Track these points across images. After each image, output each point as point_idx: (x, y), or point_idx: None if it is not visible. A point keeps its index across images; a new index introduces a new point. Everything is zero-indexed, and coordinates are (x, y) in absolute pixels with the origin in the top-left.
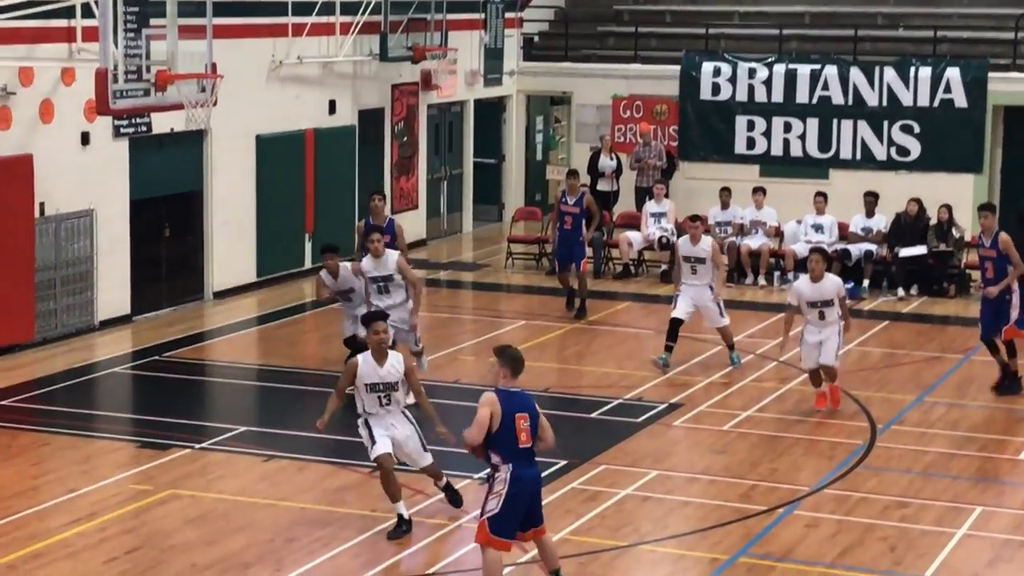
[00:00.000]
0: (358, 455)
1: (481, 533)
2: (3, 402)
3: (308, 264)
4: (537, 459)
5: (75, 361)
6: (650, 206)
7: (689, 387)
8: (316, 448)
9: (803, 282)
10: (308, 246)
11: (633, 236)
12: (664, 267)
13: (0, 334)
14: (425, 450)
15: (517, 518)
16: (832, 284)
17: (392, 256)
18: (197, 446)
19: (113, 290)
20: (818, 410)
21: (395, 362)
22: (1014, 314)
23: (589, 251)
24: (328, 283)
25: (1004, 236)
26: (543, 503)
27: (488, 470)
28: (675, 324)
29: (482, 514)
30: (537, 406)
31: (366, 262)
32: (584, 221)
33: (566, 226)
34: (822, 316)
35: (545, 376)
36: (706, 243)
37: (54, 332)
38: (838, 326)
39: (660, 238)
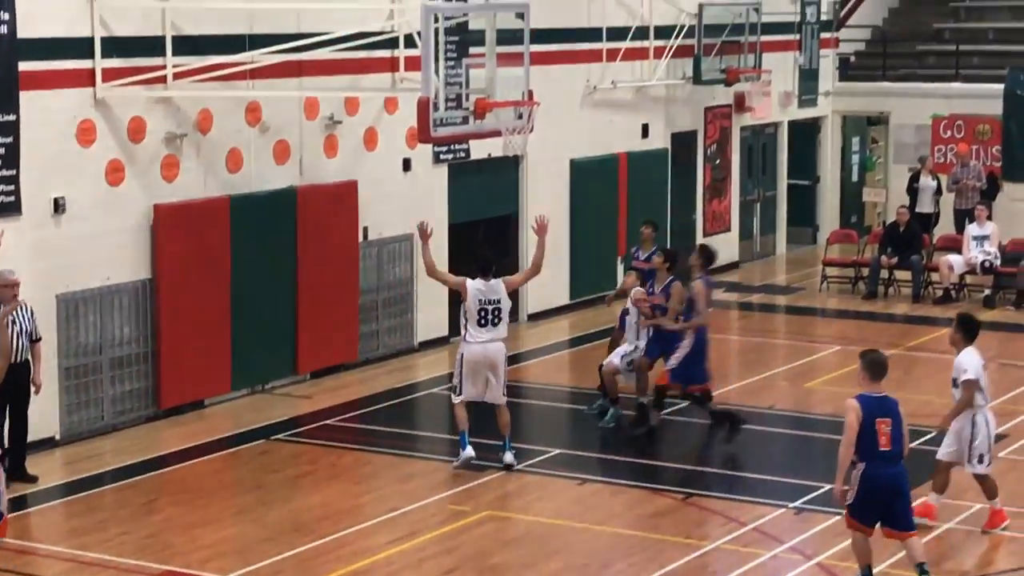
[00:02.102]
0: (672, 481)
1: (846, 518)
2: (328, 421)
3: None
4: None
5: (396, 382)
6: (972, 229)
7: (1015, 416)
8: (630, 473)
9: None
10: (621, 269)
11: (954, 259)
12: (987, 291)
13: (326, 354)
14: None
15: (874, 511)
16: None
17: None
18: (513, 467)
19: (432, 312)
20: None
21: None
22: None
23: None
24: None
25: None
26: None
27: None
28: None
29: (845, 502)
30: (901, 412)
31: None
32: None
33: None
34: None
35: None
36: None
37: (375, 353)
38: (973, 413)
39: (983, 262)
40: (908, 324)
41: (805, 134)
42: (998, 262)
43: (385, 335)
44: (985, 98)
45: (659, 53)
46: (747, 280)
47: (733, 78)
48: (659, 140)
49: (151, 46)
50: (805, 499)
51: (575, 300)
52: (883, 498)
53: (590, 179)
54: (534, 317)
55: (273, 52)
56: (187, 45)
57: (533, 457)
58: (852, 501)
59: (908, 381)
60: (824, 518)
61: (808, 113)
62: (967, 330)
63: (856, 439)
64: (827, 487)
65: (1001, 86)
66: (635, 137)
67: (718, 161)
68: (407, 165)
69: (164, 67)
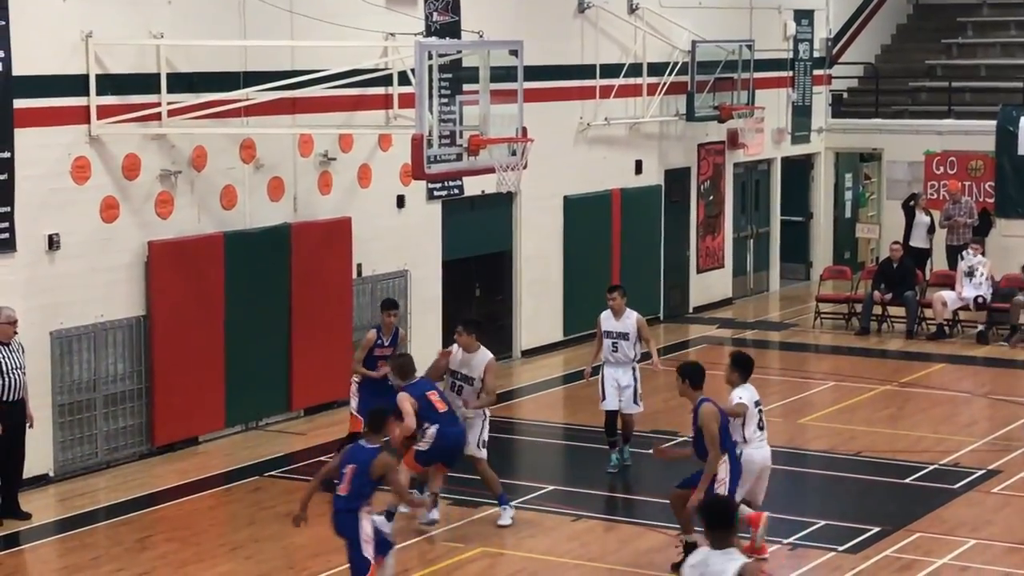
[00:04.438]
0: (666, 517)
1: (408, 458)
2: (322, 457)
3: None
4: None
5: None
6: (964, 265)
7: (1009, 452)
8: (624, 509)
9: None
10: None
11: (947, 295)
12: (980, 327)
13: (320, 390)
14: None
15: (435, 458)
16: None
17: None
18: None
19: (426, 348)
20: None
21: None
22: None
23: None
24: None
25: None
26: None
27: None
28: (611, 417)
29: (415, 447)
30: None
31: None
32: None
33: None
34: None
35: (857, 439)
36: (630, 317)
37: None
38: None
39: (976, 297)
40: (902, 360)
41: (798, 171)
42: (991, 298)
43: None
44: (978, 134)
45: (652, 90)
46: (740, 316)
47: (726, 115)
48: (653, 176)
49: (146, 83)
50: (799, 535)
51: (569, 336)
52: (450, 448)
53: (584, 215)
54: (528, 353)
55: (267, 89)
56: (182, 82)
57: (527, 494)
58: (426, 449)
59: (902, 417)
60: (819, 554)
61: (801, 150)
62: (741, 367)
63: (422, 415)
64: (822, 523)
65: (994, 122)
66: (628, 173)
67: (711, 197)
68: (401, 202)
69: (159, 104)
